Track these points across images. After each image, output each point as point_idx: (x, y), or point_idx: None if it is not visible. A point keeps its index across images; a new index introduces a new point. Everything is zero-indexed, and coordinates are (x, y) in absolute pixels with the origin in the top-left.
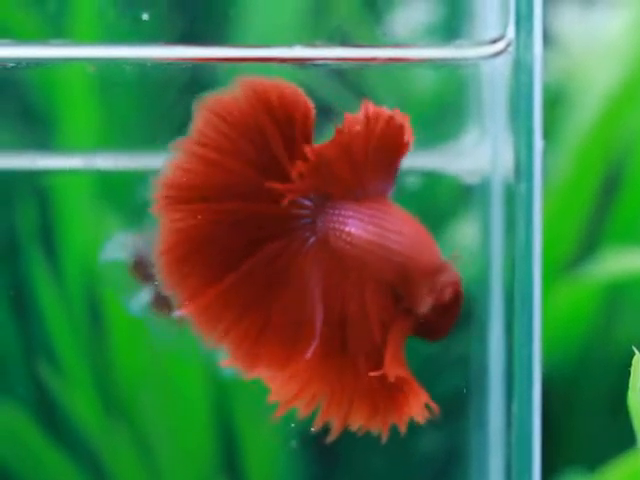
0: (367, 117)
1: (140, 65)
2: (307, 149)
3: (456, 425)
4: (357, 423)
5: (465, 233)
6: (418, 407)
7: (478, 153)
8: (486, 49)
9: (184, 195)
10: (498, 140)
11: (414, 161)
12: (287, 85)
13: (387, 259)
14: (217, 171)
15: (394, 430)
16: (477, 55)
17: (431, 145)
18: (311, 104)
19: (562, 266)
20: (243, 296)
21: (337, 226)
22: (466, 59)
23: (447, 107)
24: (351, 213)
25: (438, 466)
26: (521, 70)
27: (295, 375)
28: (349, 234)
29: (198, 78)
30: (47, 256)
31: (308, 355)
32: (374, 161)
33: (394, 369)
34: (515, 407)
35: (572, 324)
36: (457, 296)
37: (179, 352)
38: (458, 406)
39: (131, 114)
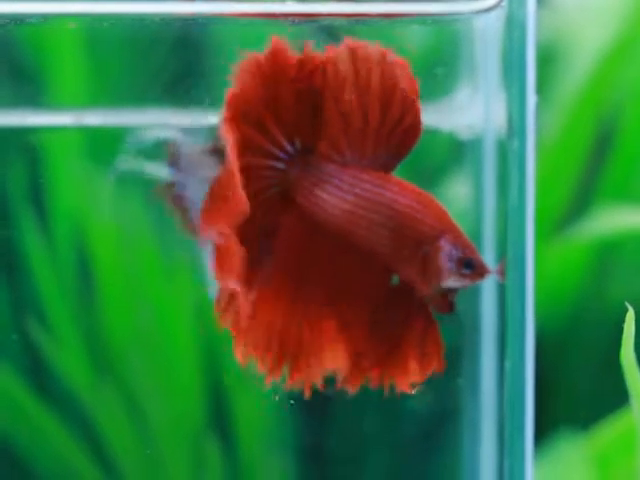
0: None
1: (129, 21)
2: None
3: (448, 384)
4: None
5: (458, 189)
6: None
7: (471, 109)
8: (479, 4)
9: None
10: (491, 96)
11: None
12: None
13: (371, 230)
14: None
15: (383, 389)
16: (470, 10)
17: (423, 101)
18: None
19: (554, 224)
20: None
21: (307, 185)
22: (459, 14)
23: (439, 63)
24: (329, 178)
25: (430, 425)
26: (514, 26)
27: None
28: (319, 197)
29: (187, 34)
30: (37, 215)
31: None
32: (381, 134)
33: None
34: (507, 365)
35: (564, 282)
36: (459, 262)
37: (169, 310)
38: (450, 365)
39: (120, 71)
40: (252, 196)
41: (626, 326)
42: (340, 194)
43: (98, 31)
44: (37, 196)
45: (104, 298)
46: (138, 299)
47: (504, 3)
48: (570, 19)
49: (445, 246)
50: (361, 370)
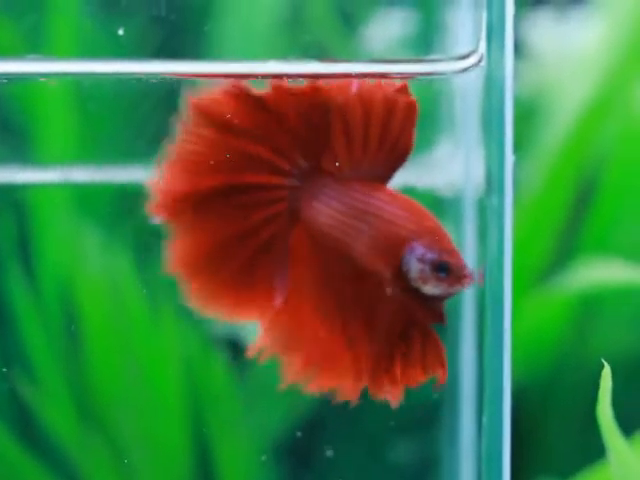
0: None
1: (116, 80)
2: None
3: (428, 435)
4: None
5: None
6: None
7: (450, 167)
8: (458, 64)
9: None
10: (470, 154)
11: None
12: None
13: (360, 237)
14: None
15: (366, 440)
16: (449, 69)
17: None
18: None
19: (534, 278)
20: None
21: (311, 200)
22: (439, 73)
23: (420, 121)
24: (328, 190)
25: (410, 476)
26: (493, 84)
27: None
28: (320, 210)
29: (173, 92)
30: (24, 268)
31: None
32: (378, 149)
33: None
34: (485, 419)
35: (544, 336)
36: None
37: (155, 362)
38: (430, 417)
39: (108, 128)
40: (258, 211)
41: (602, 382)
42: (335, 205)
43: (85, 88)
44: (24, 250)
45: (91, 350)
46: (125, 351)
47: (483, 62)
48: (550, 73)
49: (417, 248)
50: (361, 383)
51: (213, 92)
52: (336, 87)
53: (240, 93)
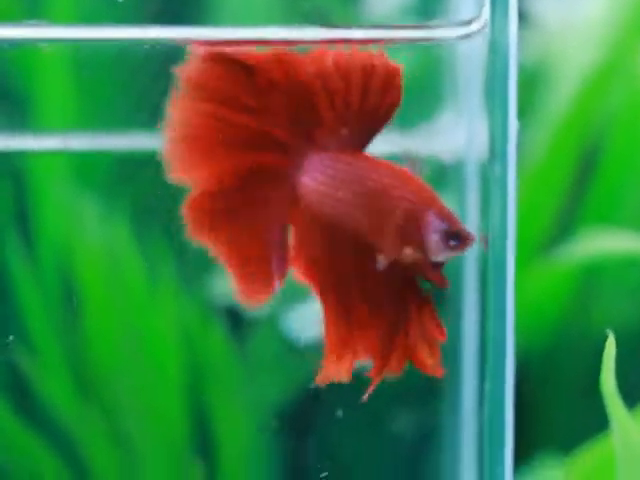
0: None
1: (115, 46)
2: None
3: (429, 406)
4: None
5: None
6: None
7: (453, 133)
8: (461, 29)
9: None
10: (473, 121)
11: (390, 142)
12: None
13: (350, 206)
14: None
15: (368, 408)
16: (453, 36)
17: (406, 126)
18: None
19: (538, 247)
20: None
21: (307, 176)
22: (441, 39)
23: (422, 88)
24: (321, 164)
25: (411, 446)
26: (496, 51)
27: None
28: (313, 184)
29: (172, 59)
30: (22, 237)
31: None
32: (358, 115)
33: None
34: (487, 387)
35: (547, 305)
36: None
37: (153, 333)
38: (431, 387)
39: (107, 95)
40: (261, 191)
41: (606, 352)
42: (332, 180)
43: (84, 55)
44: (22, 219)
45: (89, 320)
46: (123, 322)
47: (487, 29)
48: (554, 41)
49: (433, 221)
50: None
51: (197, 60)
52: (312, 57)
53: (226, 59)
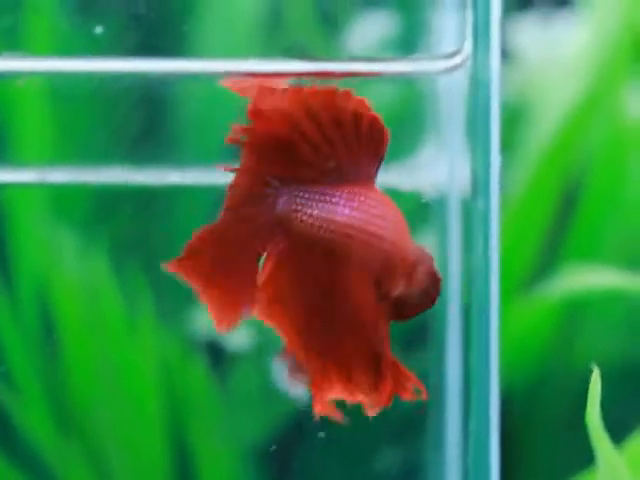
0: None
1: (94, 78)
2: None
3: (413, 442)
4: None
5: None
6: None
7: (435, 168)
8: (443, 63)
9: None
10: (455, 155)
11: None
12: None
13: (368, 244)
14: None
15: (352, 445)
16: (434, 69)
17: (388, 160)
18: None
19: (520, 283)
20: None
21: (299, 208)
22: (423, 73)
23: (404, 122)
24: (318, 196)
25: None
26: (478, 85)
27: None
28: (311, 216)
29: (152, 91)
30: (1, 273)
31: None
32: (349, 147)
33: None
34: (472, 425)
35: (530, 341)
36: (436, 280)
37: (133, 366)
38: (415, 423)
39: (85, 128)
40: (250, 232)
41: (591, 387)
42: (334, 209)
43: (62, 88)
44: (1, 254)
45: (68, 354)
46: (102, 355)
47: (468, 62)
48: (535, 77)
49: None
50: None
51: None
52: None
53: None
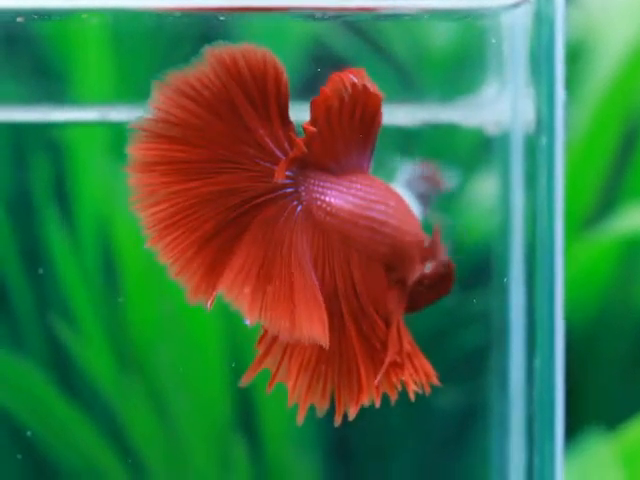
0: (341, 88)
1: (154, 16)
2: (292, 135)
3: (476, 381)
4: (365, 399)
5: (485, 186)
6: (422, 378)
7: (498, 105)
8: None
9: (160, 171)
10: (518, 92)
11: (434, 114)
12: (256, 50)
13: (373, 230)
14: (187, 148)
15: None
16: (497, 5)
17: (451, 98)
18: (282, 67)
19: (581, 222)
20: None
21: (318, 196)
22: (486, 9)
23: (467, 59)
24: (330, 184)
25: (458, 423)
26: (543, 22)
27: (301, 358)
28: (329, 204)
29: (211, 29)
30: (61, 210)
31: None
32: (351, 133)
33: (398, 346)
34: (537, 362)
35: (591, 279)
36: (451, 269)
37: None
38: (478, 362)
39: (145, 67)
40: (272, 220)
41: None
42: (343, 197)
43: (123, 26)
44: (61, 192)
45: (129, 293)
46: (163, 293)
47: None
48: (597, 17)
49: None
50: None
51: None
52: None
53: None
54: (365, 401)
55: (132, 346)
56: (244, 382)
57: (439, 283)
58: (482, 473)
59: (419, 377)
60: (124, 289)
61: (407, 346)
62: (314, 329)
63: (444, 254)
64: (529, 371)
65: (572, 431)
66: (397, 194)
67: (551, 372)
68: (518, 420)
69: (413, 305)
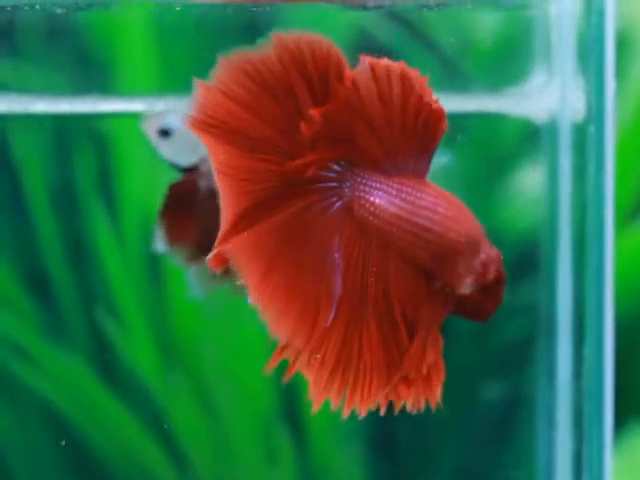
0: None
1: (199, 8)
2: (315, 114)
3: (524, 373)
4: (371, 406)
5: (533, 176)
6: (424, 398)
7: (547, 94)
8: None
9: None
10: (567, 81)
11: (481, 104)
12: (321, 41)
13: (416, 236)
14: (241, 125)
15: (459, 377)
16: None
17: (499, 87)
18: (345, 60)
19: (629, 211)
20: (270, 249)
21: (362, 195)
22: None
23: (516, 48)
24: (378, 184)
25: (505, 415)
26: (592, 11)
27: (321, 353)
28: (373, 204)
29: (257, 21)
30: (106, 202)
31: (327, 323)
32: (413, 138)
33: (417, 361)
34: (586, 352)
35: (637, 270)
36: (499, 276)
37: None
38: (525, 353)
39: (191, 58)
40: (304, 210)
41: None
42: (388, 198)
43: (168, 18)
44: (106, 184)
45: (173, 286)
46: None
47: None
48: None
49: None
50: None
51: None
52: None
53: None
54: (371, 407)
55: (177, 339)
56: (286, 379)
57: (491, 290)
58: (529, 465)
59: (422, 396)
60: (168, 282)
61: (430, 359)
62: (297, 330)
63: (498, 263)
64: (577, 362)
65: (620, 422)
66: (454, 202)
67: (599, 363)
68: (566, 411)
69: (476, 315)
